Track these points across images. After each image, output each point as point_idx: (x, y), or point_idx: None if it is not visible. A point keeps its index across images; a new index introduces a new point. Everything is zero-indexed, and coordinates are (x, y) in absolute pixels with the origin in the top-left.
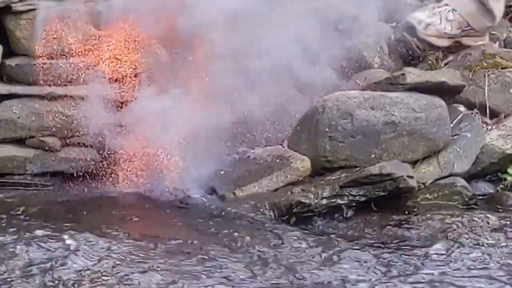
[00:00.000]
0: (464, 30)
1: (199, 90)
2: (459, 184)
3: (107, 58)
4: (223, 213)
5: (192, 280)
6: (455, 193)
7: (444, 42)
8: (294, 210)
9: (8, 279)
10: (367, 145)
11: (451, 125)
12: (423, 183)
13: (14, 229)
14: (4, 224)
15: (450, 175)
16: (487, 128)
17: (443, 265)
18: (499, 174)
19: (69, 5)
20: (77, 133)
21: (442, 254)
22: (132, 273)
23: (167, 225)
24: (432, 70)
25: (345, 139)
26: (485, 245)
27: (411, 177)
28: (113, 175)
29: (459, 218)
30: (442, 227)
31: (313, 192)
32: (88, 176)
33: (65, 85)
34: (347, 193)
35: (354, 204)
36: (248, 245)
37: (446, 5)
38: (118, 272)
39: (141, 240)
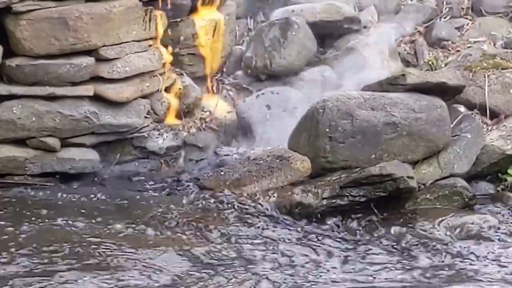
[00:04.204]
0: None
1: None
2: (459, 185)
3: None
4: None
5: None
6: (455, 194)
7: None
8: (294, 211)
9: None
10: (367, 145)
11: (451, 125)
12: (424, 184)
13: None
14: None
15: (450, 175)
16: (487, 129)
17: (442, 265)
18: (499, 174)
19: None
20: None
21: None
22: None
23: None
24: (432, 70)
25: (345, 140)
26: (484, 244)
27: (411, 177)
28: None
29: (459, 218)
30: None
31: (313, 193)
32: None
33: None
34: (347, 194)
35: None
36: None
37: None
38: None
39: None
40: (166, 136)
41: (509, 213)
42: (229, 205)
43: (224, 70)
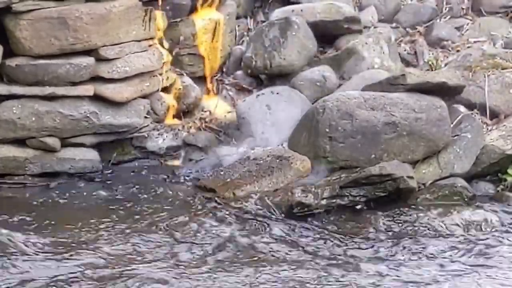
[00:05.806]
0: None
1: None
2: (459, 185)
3: None
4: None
5: None
6: (455, 194)
7: None
8: (294, 211)
9: None
10: (367, 145)
11: (451, 125)
12: (423, 184)
13: None
14: None
15: (450, 175)
16: (487, 129)
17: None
18: (499, 174)
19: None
20: None
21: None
22: None
23: None
24: (432, 70)
25: (345, 140)
26: (484, 244)
27: (411, 177)
28: None
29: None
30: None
31: (313, 193)
32: None
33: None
34: (347, 194)
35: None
36: None
37: None
38: None
39: None
40: (166, 136)
41: (508, 212)
42: None
43: (224, 70)
